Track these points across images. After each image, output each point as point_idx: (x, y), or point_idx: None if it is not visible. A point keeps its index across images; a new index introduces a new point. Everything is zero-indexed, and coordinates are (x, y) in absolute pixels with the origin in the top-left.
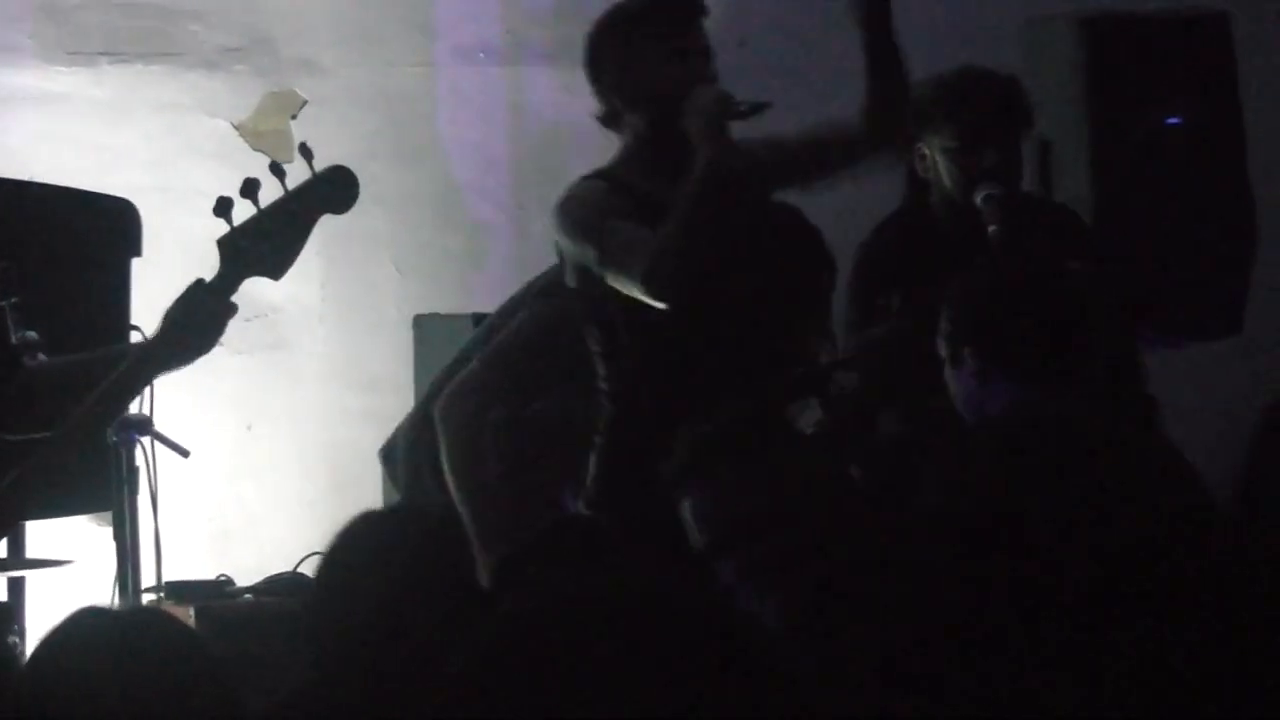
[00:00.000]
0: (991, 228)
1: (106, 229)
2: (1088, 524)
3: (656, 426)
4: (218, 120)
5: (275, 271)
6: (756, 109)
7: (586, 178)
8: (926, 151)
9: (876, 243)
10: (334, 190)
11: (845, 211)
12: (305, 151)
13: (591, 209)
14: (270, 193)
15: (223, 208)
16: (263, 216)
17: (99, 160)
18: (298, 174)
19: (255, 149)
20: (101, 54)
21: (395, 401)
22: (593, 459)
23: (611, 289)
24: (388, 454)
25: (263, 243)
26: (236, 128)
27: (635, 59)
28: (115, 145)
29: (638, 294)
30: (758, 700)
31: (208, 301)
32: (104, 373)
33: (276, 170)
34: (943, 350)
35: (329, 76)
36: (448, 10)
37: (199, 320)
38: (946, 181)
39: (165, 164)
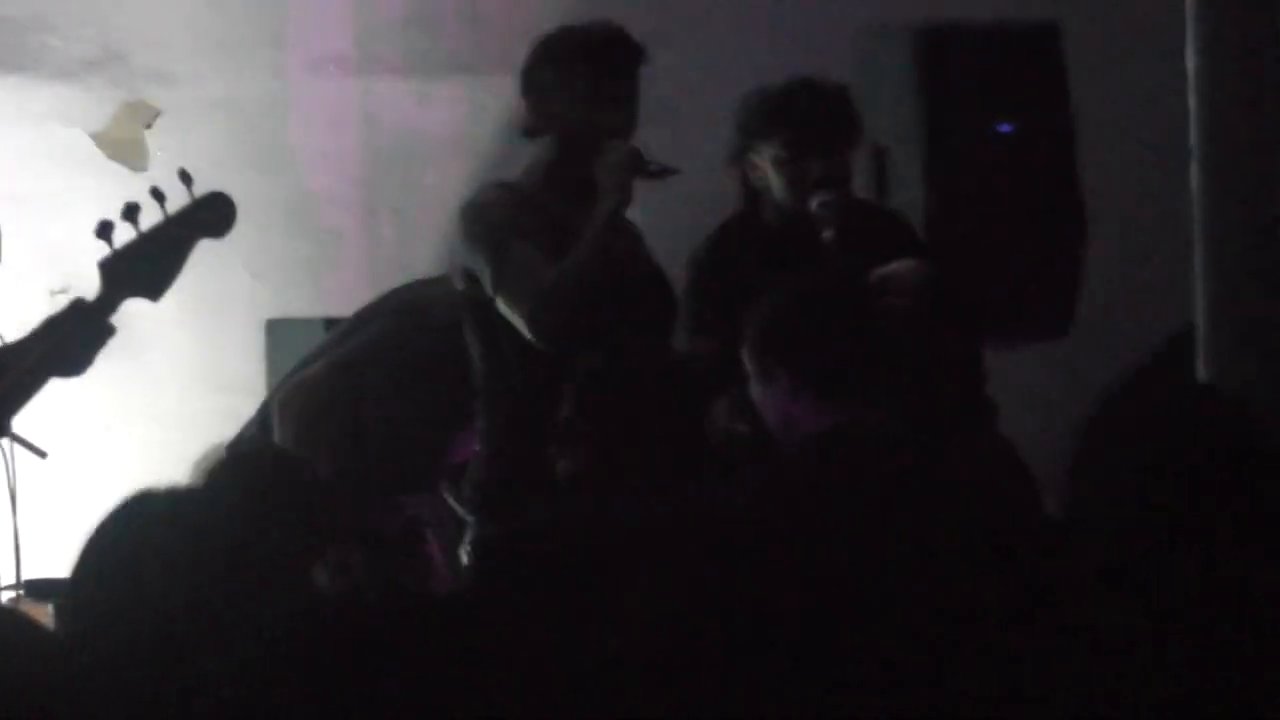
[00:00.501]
0: (825, 233)
1: None
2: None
3: (538, 430)
4: (74, 130)
5: (154, 293)
6: (665, 172)
7: (496, 185)
8: (758, 161)
9: (710, 249)
10: (212, 215)
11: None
12: (185, 178)
13: (495, 224)
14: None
15: (104, 231)
16: (144, 240)
17: None
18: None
19: (111, 158)
20: None
21: (248, 402)
22: (475, 463)
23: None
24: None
25: (143, 266)
26: (93, 137)
27: (564, 89)
28: None
29: (522, 328)
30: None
31: (88, 322)
32: None
33: (156, 195)
34: (749, 365)
35: (182, 86)
36: (299, 22)
37: (79, 340)
38: (776, 191)
39: (23, 173)
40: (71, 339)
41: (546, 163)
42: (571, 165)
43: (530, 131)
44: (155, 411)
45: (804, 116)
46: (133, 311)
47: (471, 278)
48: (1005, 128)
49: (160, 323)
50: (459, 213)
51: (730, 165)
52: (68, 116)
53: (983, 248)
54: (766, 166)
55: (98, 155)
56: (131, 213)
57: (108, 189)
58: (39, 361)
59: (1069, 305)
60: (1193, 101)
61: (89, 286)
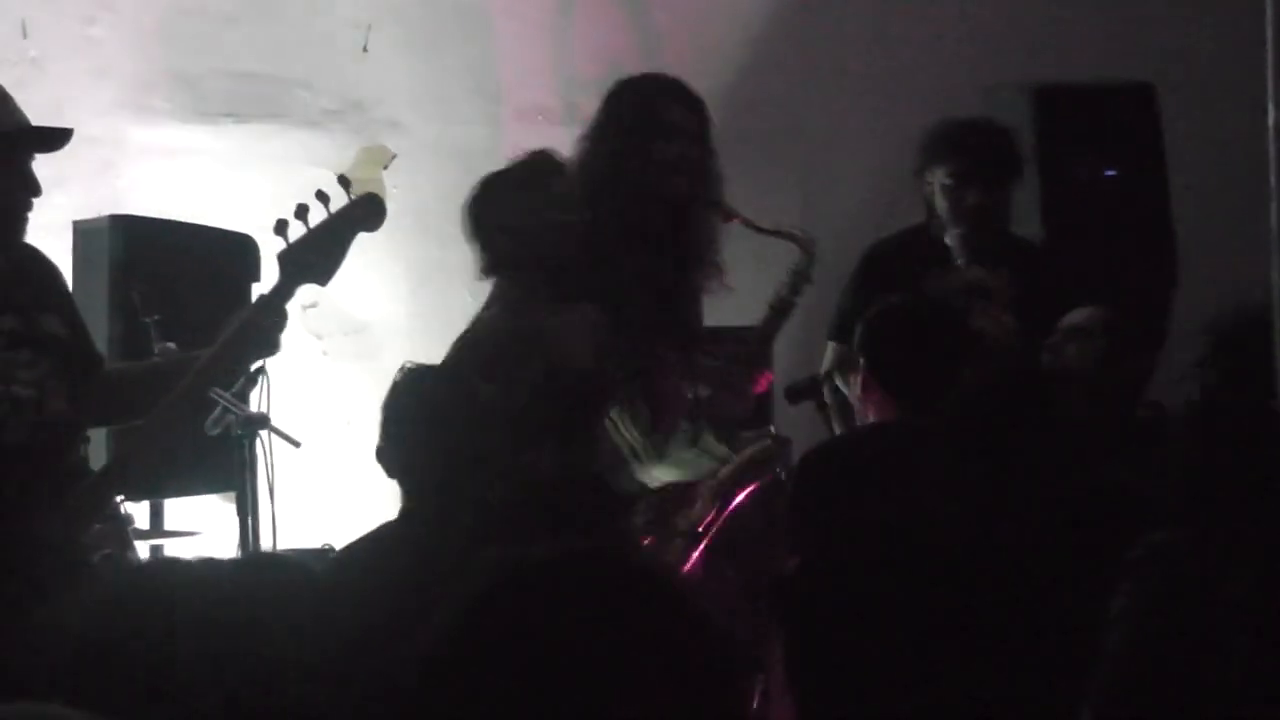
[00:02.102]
0: (959, 260)
1: (232, 259)
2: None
3: None
4: (320, 170)
5: (323, 278)
6: None
7: None
8: (930, 180)
9: (878, 247)
10: (366, 213)
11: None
12: (344, 183)
13: None
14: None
15: (280, 227)
16: (311, 234)
17: (224, 203)
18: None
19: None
20: (225, 115)
21: None
22: None
23: None
24: None
25: (312, 255)
26: (338, 177)
27: None
28: (236, 191)
29: None
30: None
31: (269, 307)
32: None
33: (321, 197)
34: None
35: (410, 134)
36: (510, 77)
37: (262, 321)
38: (940, 211)
39: (278, 207)
40: (255, 320)
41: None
42: None
43: None
44: None
45: (970, 149)
46: (368, 324)
47: None
48: (1110, 172)
49: (393, 333)
50: None
51: (915, 179)
52: (315, 158)
53: (1088, 275)
54: (935, 188)
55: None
56: (302, 212)
57: None
58: (231, 338)
59: (1161, 321)
60: (1272, 150)
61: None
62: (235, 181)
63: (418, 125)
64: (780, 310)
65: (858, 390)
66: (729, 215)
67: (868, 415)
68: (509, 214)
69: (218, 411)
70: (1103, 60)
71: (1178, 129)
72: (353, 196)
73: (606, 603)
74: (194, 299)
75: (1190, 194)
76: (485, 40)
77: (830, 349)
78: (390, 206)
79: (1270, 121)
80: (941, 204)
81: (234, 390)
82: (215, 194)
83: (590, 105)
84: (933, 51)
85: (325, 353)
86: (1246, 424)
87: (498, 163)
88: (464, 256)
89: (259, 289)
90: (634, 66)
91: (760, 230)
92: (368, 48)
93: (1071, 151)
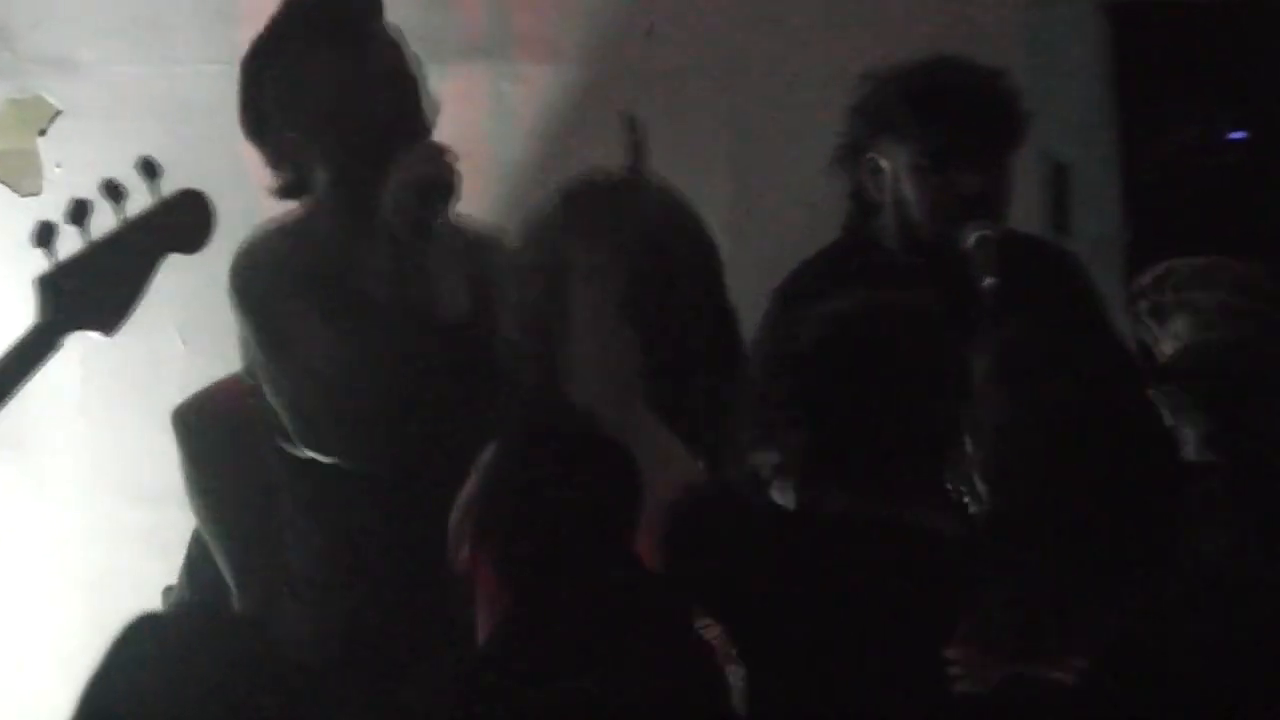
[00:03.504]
0: (987, 281)
1: None
2: None
3: None
4: None
5: (109, 322)
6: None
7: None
8: (884, 164)
9: (797, 282)
10: (183, 221)
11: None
12: (148, 168)
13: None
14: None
15: (44, 236)
16: (95, 251)
17: None
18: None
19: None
20: None
21: None
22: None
23: None
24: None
25: (92, 285)
26: None
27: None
28: None
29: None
30: None
31: (25, 356)
32: None
33: (111, 191)
34: None
35: (88, 77)
36: None
37: (16, 372)
38: (911, 209)
39: None
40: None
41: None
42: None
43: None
44: None
45: (955, 111)
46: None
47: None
48: (1238, 135)
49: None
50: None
51: (838, 168)
52: None
53: None
54: (899, 174)
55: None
56: (79, 214)
57: None
58: None
59: None
60: None
61: None
62: None
63: (98, 64)
64: None
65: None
66: None
67: None
68: None
69: None
70: None
71: None
72: (161, 194)
73: None
74: None
75: None
76: None
77: None
78: (49, 196)
79: None
80: (914, 197)
81: None
82: None
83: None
84: None
85: None
86: None
87: (234, 120)
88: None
89: None
90: None
91: None
92: None
93: (1173, 104)
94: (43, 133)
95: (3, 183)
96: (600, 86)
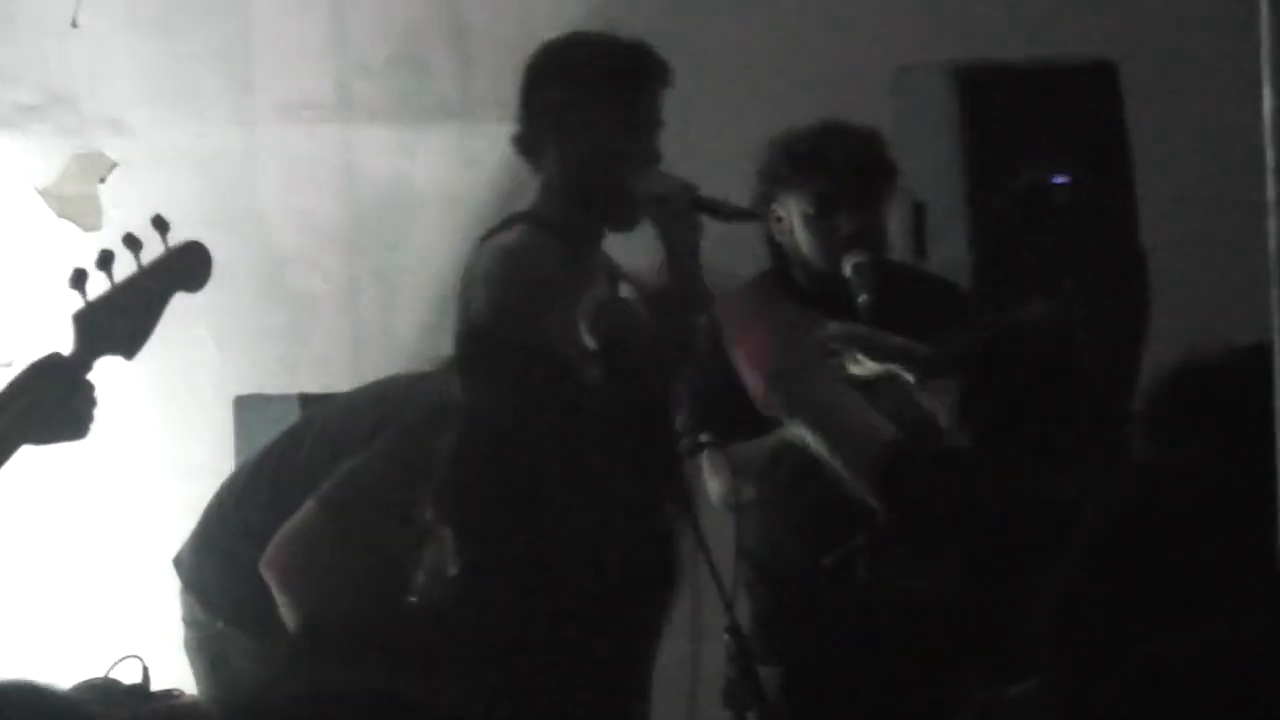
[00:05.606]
0: (861, 297)
1: None
2: None
3: None
4: (15, 184)
5: (129, 350)
6: (744, 215)
7: (522, 224)
8: (783, 214)
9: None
10: (188, 267)
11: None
12: (160, 224)
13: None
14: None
15: (78, 280)
16: (116, 292)
17: None
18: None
19: (60, 216)
20: None
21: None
22: None
23: None
24: (178, 562)
25: (117, 319)
26: (40, 193)
27: (575, 115)
28: None
29: None
30: None
31: (63, 381)
32: None
33: (131, 244)
34: None
35: (137, 136)
36: (268, 62)
37: (55, 399)
38: (804, 248)
39: None
40: (45, 398)
41: (562, 188)
42: (588, 196)
43: (529, 148)
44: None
45: (833, 166)
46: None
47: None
48: (1060, 179)
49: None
50: (492, 262)
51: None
52: (10, 169)
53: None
54: (793, 221)
55: (47, 212)
56: (106, 262)
57: (55, 251)
58: (14, 423)
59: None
60: (1271, 148)
61: (31, 358)
62: None
63: (144, 125)
64: None
65: None
66: None
67: None
68: None
69: None
70: (1050, 33)
71: (1146, 120)
72: (169, 244)
73: None
74: None
75: (1165, 203)
76: (234, 13)
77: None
78: (106, 232)
79: (1266, 109)
80: (805, 239)
81: None
82: None
83: (375, 93)
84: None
85: None
86: None
87: (252, 171)
88: (205, 294)
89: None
90: (433, 40)
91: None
92: (78, 22)
93: (1010, 152)
94: (103, 181)
95: (71, 220)
96: None
